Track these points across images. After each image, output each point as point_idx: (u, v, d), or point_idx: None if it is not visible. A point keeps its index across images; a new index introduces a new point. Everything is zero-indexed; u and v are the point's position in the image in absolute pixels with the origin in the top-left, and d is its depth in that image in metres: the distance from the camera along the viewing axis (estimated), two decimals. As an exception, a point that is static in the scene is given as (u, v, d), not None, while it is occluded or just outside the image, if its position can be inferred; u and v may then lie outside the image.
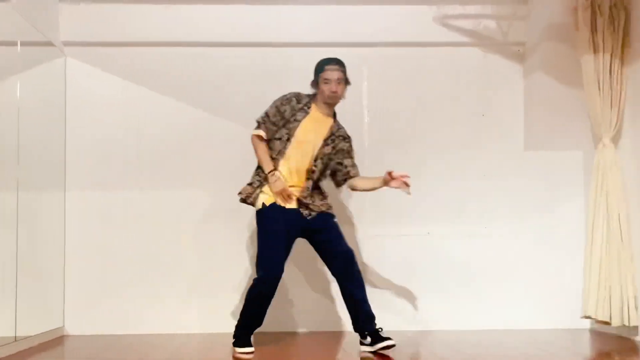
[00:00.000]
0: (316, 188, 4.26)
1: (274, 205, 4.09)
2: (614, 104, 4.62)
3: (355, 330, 4.18)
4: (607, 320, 4.52)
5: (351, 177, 4.28)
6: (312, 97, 4.27)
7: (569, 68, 4.96)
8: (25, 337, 4.28)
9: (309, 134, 4.19)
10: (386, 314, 4.85)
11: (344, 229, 4.42)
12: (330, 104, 4.23)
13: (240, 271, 5.05)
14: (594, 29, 4.64)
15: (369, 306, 4.15)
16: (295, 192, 4.15)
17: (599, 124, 4.65)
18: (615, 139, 4.68)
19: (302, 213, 4.12)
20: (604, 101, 4.63)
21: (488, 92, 5.21)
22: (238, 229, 5.07)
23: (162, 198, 5.10)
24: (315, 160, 4.19)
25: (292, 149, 4.17)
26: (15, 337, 4.15)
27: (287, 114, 4.17)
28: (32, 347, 4.33)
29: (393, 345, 4.03)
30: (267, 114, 4.20)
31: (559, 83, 5.07)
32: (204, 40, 5.12)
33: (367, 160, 4.92)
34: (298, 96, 4.23)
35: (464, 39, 5.17)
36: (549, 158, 5.16)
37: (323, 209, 4.19)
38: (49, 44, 4.83)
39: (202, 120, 5.09)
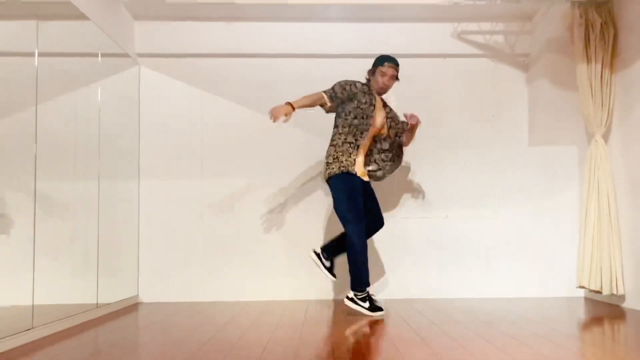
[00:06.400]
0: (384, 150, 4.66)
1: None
2: (604, 105, 4.76)
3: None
4: (599, 289, 4.73)
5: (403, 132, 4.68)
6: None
7: (567, 75, 5.14)
8: (105, 304, 4.55)
9: (378, 119, 4.58)
10: (411, 283, 5.14)
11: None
12: (379, 93, 4.59)
13: (288, 245, 5.24)
14: (587, 43, 4.83)
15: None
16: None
17: (591, 123, 4.80)
18: (606, 136, 4.82)
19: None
20: (595, 103, 4.77)
21: (497, 96, 5.37)
22: (288, 211, 5.25)
23: (221, 184, 5.26)
24: (380, 135, 4.61)
25: (370, 132, 4.53)
26: (97, 304, 4.44)
27: (351, 93, 4.41)
28: (111, 312, 4.60)
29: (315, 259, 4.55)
30: (333, 89, 4.45)
31: (557, 88, 5.21)
32: (257, 52, 5.33)
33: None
34: (363, 83, 4.53)
35: (477, 51, 5.35)
36: (549, 152, 5.30)
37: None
38: (125, 55, 5.07)
39: (255, 119, 5.24)
